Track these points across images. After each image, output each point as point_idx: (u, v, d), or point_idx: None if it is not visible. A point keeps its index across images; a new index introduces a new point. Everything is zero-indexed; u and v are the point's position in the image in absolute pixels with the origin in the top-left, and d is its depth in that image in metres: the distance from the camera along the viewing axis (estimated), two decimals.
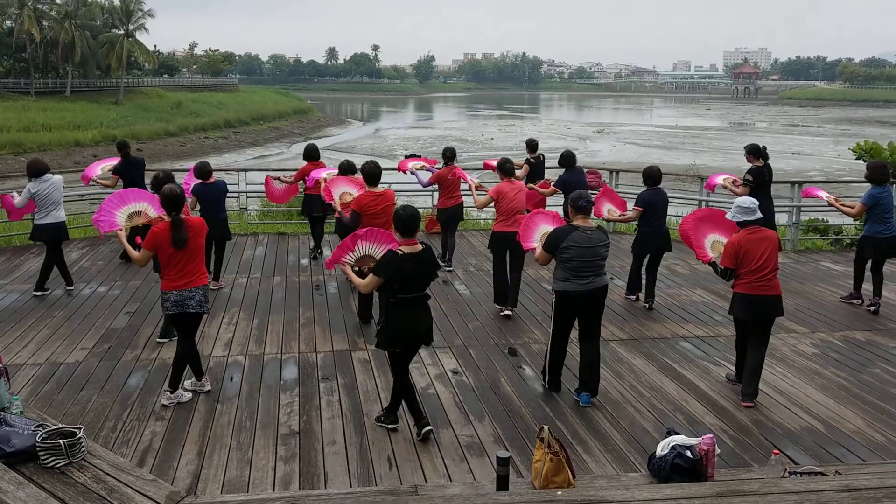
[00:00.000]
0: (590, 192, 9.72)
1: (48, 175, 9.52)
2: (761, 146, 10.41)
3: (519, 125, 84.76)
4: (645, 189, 9.29)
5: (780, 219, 14.06)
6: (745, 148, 10.61)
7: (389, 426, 5.95)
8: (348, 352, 7.65)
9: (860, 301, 9.65)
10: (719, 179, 10.77)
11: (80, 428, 3.83)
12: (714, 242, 7.25)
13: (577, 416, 6.25)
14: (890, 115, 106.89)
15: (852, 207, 9.53)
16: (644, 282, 9.57)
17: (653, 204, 9.15)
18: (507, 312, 8.89)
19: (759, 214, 6.54)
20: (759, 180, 10.11)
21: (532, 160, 12.20)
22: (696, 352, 7.85)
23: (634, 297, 9.62)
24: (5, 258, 11.39)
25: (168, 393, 6.39)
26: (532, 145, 12.50)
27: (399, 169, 12.11)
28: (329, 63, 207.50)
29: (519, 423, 6.10)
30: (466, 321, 8.74)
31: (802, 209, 13.12)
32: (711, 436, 4.18)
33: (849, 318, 9.09)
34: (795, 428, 6.10)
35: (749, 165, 10.36)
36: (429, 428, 5.80)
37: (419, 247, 5.70)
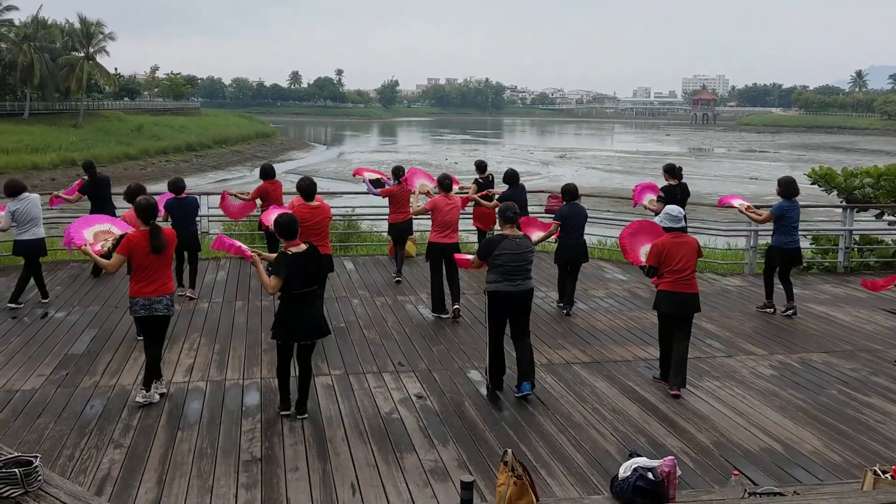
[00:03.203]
0: (548, 214, 10.59)
1: (25, 193, 10.05)
2: (677, 166, 11.59)
3: (482, 149, 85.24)
4: (564, 204, 10.18)
5: (739, 242, 14.34)
6: (663, 167, 11.72)
7: (282, 412, 6.59)
8: (311, 377, 7.58)
9: (773, 310, 10.39)
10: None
11: (36, 456, 3.75)
12: (647, 250, 8.10)
13: (540, 440, 6.27)
14: (843, 140, 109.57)
15: (760, 215, 10.47)
16: (566, 290, 10.35)
17: (570, 217, 10.05)
18: (455, 307, 9.70)
19: (683, 223, 7.52)
20: (670, 198, 10.89)
21: (480, 180, 12.80)
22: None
23: (562, 305, 10.34)
24: None
25: (143, 392, 6.83)
26: (481, 166, 13.08)
27: (354, 174, 13.07)
28: (293, 87, 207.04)
29: (483, 447, 6.10)
30: (430, 344, 8.74)
31: (759, 233, 13.35)
32: (673, 458, 4.24)
33: (806, 341, 9.26)
34: (755, 449, 6.18)
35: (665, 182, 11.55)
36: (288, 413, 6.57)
37: (303, 247, 6.46)
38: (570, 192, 10.17)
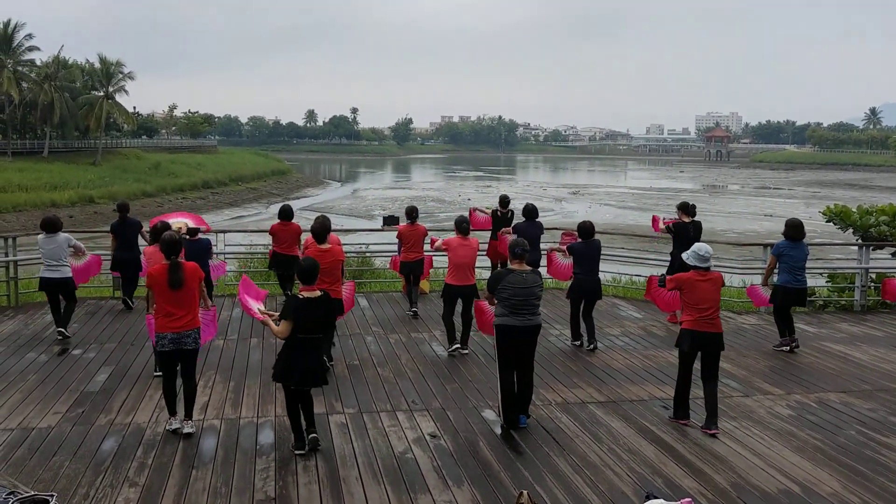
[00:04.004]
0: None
1: (57, 233, 10.34)
2: (691, 204, 11.71)
3: (495, 186, 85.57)
4: (579, 241, 10.29)
5: (755, 280, 14.27)
6: (677, 205, 11.86)
7: (296, 451, 6.59)
8: (325, 415, 7.58)
9: (788, 347, 10.45)
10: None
11: (52, 495, 3.79)
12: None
13: (556, 480, 6.22)
14: (858, 177, 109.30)
15: (767, 268, 10.99)
16: (584, 328, 10.32)
17: (583, 253, 10.16)
18: (463, 351, 9.85)
19: (710, 263, 7.45)
20: (679, 232, 11.29)
21: (499, 213, 13.10)
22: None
23: (578, 343, 10.32)
24: None
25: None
26: (504, 201, 13.40)
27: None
28: (308, 125, 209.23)
29: (498, 488, 6.06)
30: (444, 382, 8.73)
31: (775, 271, 13.28)
32: (690, 499, 4.21)
33: (823, 380, 9.18)
34: (772, 490, 6.11)
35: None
36: (308, 446, 6.61)
37: (317, 293, 6.57)
38: (585, 230, 10.22)
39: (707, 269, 7.38)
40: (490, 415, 7.71)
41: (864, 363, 9.85)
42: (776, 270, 10.62)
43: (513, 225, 12.52)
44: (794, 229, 10.33)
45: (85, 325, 11.11)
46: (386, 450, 6.79)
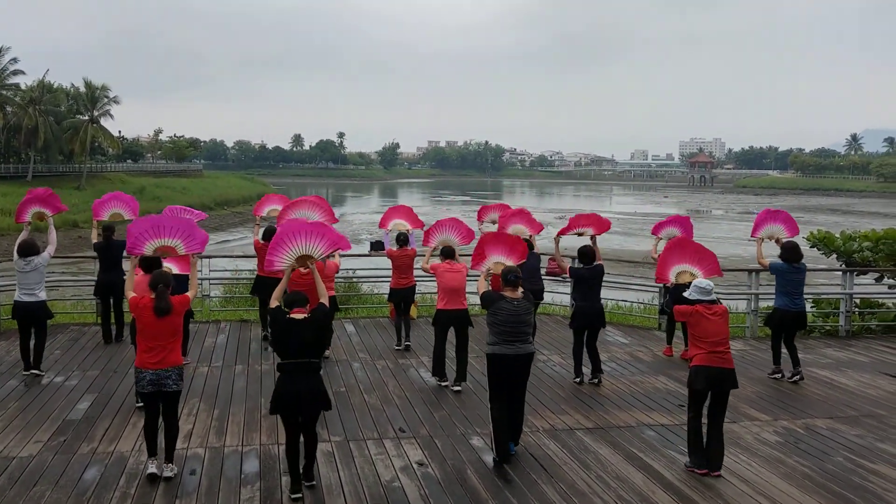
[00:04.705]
0: (553, 277, 10.48)
1: (31, 257, 9.67)
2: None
3: None
4: (581, 266, 10.02)
5: (739, 305, 14.33)
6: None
7: (293, 496, 6.24)
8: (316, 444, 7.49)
9: (781, 375, 10.28)
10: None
11: None
12: (680, 273, 8.29)
13: None
14: (840, 203, 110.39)
15: (762, 259, 10.77)
16: (589, 359, 9.98)
17: (585, 279, 9.85)
18: (456, 388, 9.37)
19: (713, 296, 7.17)
20: None
21: None
22: (662, 440, 7.85)
23: (579, 381, 9.86)
24: None
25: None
26: None
27: (380, 225, 12.66)
28: (295, 149, 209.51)
29: None
30: (432, 410, 8.67)
31: (760, 297, 13.35)
32: None
33: (809, 406, 9.19)
34: None
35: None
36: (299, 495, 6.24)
37: (306, 314, 6.39)
38: (586, 255, 9.96)
39: (712, 301, 7.12)
40: (478, 442, 7.65)
41: (851, 389, 9.88)
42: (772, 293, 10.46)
43: None
44: (791, 251, 10.16)
45: (67, 351, 10.98)
46: (373, 478, 6.72)
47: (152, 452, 6.68)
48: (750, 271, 13.60)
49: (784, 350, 10.38)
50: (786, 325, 10.27)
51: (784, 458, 7.41)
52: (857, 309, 13.93)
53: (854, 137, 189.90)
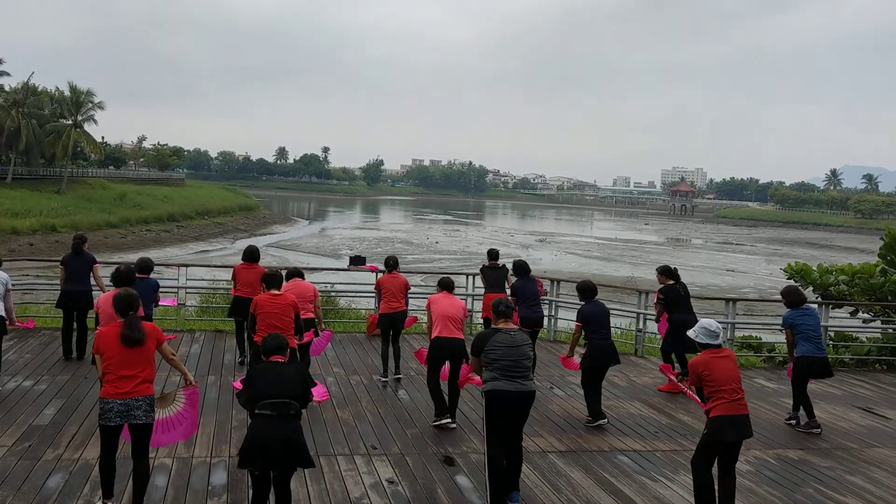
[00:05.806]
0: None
1: None
2: (673, 267, 11.32)
3: (464, 230, 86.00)
4: (584, 303, 9.43)
5: None
6: (657, 269, 11.48)
7: None
8: None
9: (796, 422, 9.70)
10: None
11: None
12: None
13: None
14: (818, 236, 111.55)
15: (788, 344, 9.79)
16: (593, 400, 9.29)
17: (593, 316, 9.22)
18: (451, 425, 8.70)
19: (720, 340, 6.63)
20: (671, 297, 10.82)
21: (489, 268, 11.94)
22: (634, 466, 7.83)
23: (596, 424, 9.13)
24: None
25: None
26: (492, 255, 12.22)
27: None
28: (279, 162, 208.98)
29: None
30: (405, 427, 8.61)
31: (736, 326, 13.42)
32: None
33: (781, 436, 9.21)
34: None
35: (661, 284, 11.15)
36: None
37: (281, 360, 5.88)
38: (588, 290, 9.44)
39: (719, 346, 6.58)
40: (451, 462, 7.59)
41: (822, 421, 9.90)
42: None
43: (512, 284, 11.30)
44: (791, 296, 9.72)
45: (38, 355, 10.82)
46: (342, 494, 6.65)
47: (108, 494, 5.97)
48: (726, 300, 13.67)
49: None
50: (815, 371, 9.57)
51: (755, 488, 7.41)
52: (831, 342, 14.03)
53: (833, 173, 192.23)
